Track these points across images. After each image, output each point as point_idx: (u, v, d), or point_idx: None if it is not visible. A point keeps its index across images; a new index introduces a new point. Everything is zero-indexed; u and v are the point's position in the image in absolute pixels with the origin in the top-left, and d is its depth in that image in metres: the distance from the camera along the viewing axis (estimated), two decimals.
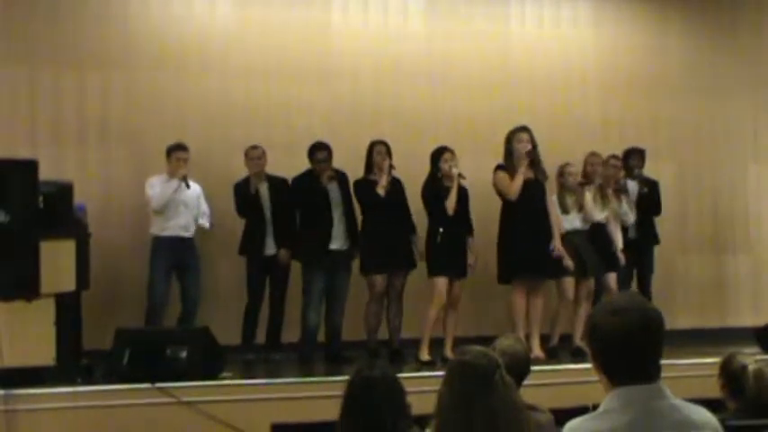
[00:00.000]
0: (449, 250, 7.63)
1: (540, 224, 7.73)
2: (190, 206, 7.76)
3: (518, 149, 7.71)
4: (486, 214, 8.03)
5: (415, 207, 7.98)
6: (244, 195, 7.89)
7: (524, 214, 7.65)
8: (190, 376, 6.27)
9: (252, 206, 7.88)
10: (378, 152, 7.90)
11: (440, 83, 9.13)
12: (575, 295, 8.10)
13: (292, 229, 7.97)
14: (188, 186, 7.68)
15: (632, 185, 8.77)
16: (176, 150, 7.73)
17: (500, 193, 7.82)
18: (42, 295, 6.25)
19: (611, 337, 2.24)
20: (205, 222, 7.88)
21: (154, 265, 7.67)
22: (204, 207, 7.92)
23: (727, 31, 10.14)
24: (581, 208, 8.16)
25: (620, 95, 9.72)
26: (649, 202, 8.85)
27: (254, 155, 7.95)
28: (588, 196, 8.24)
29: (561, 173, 8.25)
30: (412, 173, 8.03)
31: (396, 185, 7.96)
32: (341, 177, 7.99)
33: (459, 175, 7.68)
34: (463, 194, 7.79)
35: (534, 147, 7.75)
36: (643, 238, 8.79)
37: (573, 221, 8.15)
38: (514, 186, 7.65)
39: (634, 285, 8.78)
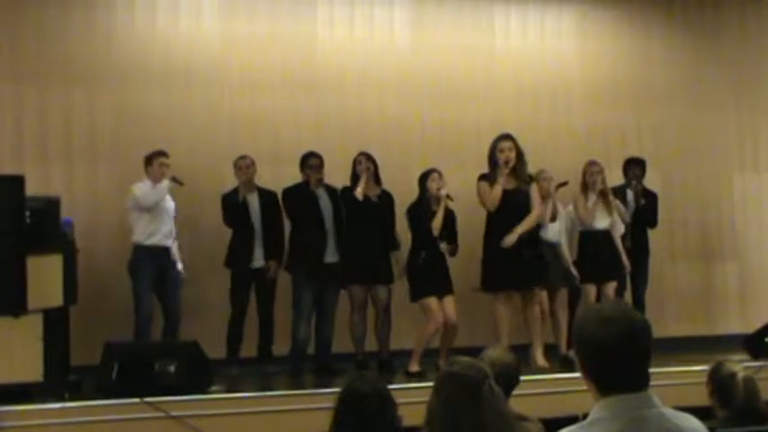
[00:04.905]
0: (433, 271, 7.62)
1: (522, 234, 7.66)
2: (171, 216, 7.73)
3: (498, 159, 7.65)
4: (471, 227, 8.03)
5: (401, 221, 7.99)
6: (232, 205, 7.86)
7: (506, 224, 7.59)
8: (179, 390, 6.25)
9: (240, 216, 7.85)
10: (358, 162, 7.92)
11: (426, 95, 9.15)
12: (551, 305, 8.15)
13: (281, 241, 7.96)
14: (181, 183, 7.64)
15: (628, 195, 8.82)
16: (159, 156, 7.67)
17: (481, 204, 7.78)
18: (30, 311, 6.23)
19: (598, 346, 2.24)
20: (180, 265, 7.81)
21: (138, 275, 7.55)
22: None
23: (710, 39, 10.20)
24: (554, 218, 8.17)
25: (605, 105, 9.76)
26: (646, 213, 8.87)
27: (243, 164, 7.94)
28: (582, 202, 8.28)
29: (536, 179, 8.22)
30: (398, 184, 8.05)
31: (384, 199, 7.97)
32: (329, 189, 7.99)
33: (447, 197, 7.68)
34: (450, 217, 7.79)
35: (519, 154, 7.69)
36: (637, 249, 8.80)
37: (549, 231, 8.15)
38: (492, 197, 7.60)
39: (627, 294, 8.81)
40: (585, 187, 8.35)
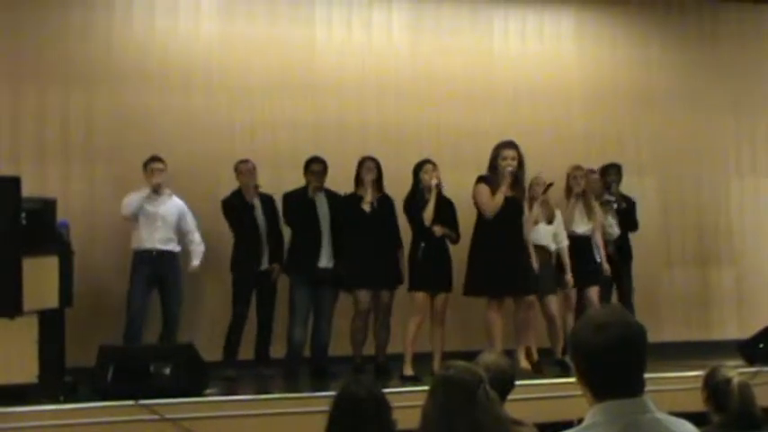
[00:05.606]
0: (431, 264, 7.62)
1: (513, 241, 7.60)
2: (169, 221, 7.72)
3: (502, 167, 7.57)
4: (469, 229, 8.02)
5: (403, 223, 7.98)
6: (239, 209, 7.85)
7: (498, 230, 7.54)
8: (174, 393, 6.24)
9: (248, 220, 7.84)
10: (366, 168, 7.90)
11: (424, 98, 9.15)
12: (546, 309, 8.14)
13: (282, 244, 7.97)
14: (157, 193, 7.65)
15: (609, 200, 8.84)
16: (151, 162, 7.73)
17: (477, 206, 7.73)
18: (25, 312, 6.23)
19: (594, 352, 2.23)
20: (195, 261, 7.83)
21: (132, 279, 7.63)
22: (191, 224, 7.86)
23: (708, 44, 10.22)
24: (550, 221, 8.17)
25: (602, 109, 9.78)
26: (627, 217, 8.89)
27: (245, 168, 7.93)
28: (567, 208, 8.27)
29: (530, 184, 8.14)
30: (397, 187, 8.03)
31: (385, 203, 7.96)
32: (329, 194, 7.99)
33: (438, 186, 7.66)
34: (447, 206, 7.77)
35: (520, 164, 7.63)
36: (620, 254, 8.81)
37: (541, 233, 8.14)
38: (493, 204, 7.54)
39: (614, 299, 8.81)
40: (569, 192, 8.36)
